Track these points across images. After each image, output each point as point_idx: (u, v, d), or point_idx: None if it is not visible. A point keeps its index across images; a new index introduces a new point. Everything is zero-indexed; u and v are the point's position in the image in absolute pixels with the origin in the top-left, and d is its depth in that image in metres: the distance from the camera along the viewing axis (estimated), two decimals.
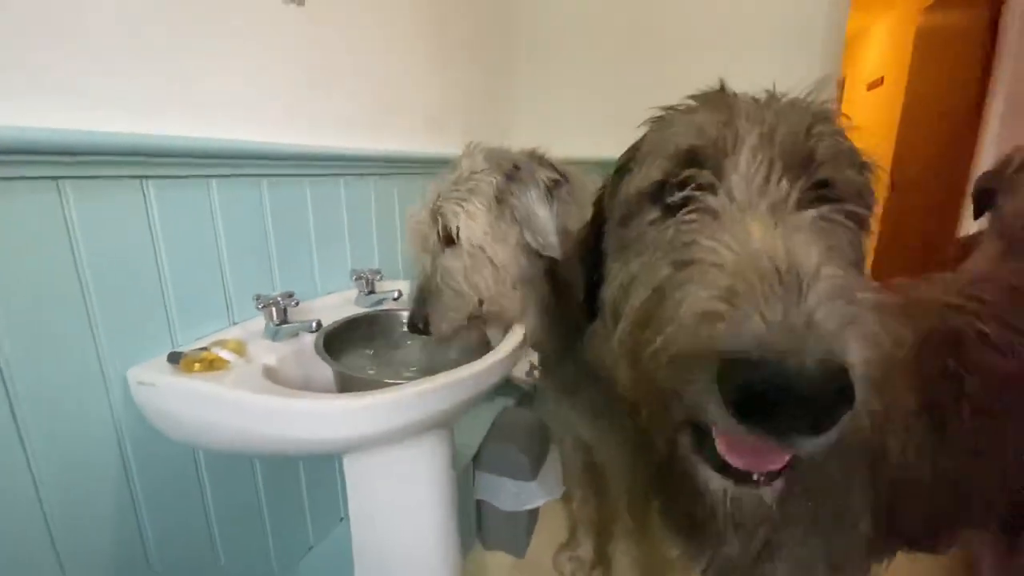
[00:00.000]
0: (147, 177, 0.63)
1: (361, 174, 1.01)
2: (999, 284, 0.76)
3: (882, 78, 3.61)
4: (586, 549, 1.23)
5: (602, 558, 1.18)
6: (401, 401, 0.57)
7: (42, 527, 0.56)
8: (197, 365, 0.61)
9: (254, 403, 0.56)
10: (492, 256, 0.79)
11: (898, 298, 0.72)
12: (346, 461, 0.74)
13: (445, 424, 0.70)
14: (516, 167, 0.77)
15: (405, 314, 0.84)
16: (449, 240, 0.79)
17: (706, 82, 0.48)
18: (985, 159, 2.40)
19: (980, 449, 0.65)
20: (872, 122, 3.74)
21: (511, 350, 0.73)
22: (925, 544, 0.75)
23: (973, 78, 2.42)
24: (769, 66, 1.39)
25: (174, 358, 0.63)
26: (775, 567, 0.55)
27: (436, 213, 0.79)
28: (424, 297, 0.80)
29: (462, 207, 0.77)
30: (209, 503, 0.76)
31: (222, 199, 0.73)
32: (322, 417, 0.54)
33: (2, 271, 0.51)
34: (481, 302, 0.80)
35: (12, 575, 0.54)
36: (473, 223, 0.77)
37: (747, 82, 0.46)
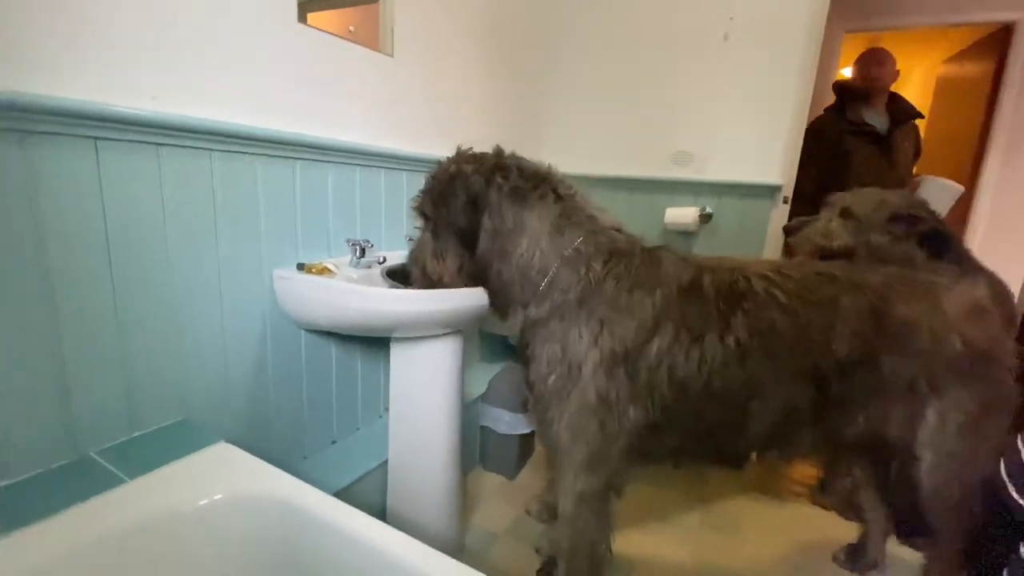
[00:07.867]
0: (295, 159, 1.07)
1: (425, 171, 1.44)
2: (806, 269, 1.01)
3: None
4: None
5: None
6: (422, 296, 0.96)
7: (223, 357, 1.00)
8: (314, 270, 1.04)
9: (348, 289, 0.98)
10: None
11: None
12: (392, 349, 1.15)
13: (447, 325, 1.06)
14: None
15: None
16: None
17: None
18: (985, 188, 2.62)
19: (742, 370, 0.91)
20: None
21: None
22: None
23: (979, 120, 2.64)
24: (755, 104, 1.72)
25: (300, 266, 1.06)
26: None
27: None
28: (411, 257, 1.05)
29: None
30: (303, 371, 1.19)
31: (334, 179, 1.17)
32: (382, 297, 0.95)
33: (225, 210, 0.95)
34: None
35: (192, 384, 0.96)
36: None
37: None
